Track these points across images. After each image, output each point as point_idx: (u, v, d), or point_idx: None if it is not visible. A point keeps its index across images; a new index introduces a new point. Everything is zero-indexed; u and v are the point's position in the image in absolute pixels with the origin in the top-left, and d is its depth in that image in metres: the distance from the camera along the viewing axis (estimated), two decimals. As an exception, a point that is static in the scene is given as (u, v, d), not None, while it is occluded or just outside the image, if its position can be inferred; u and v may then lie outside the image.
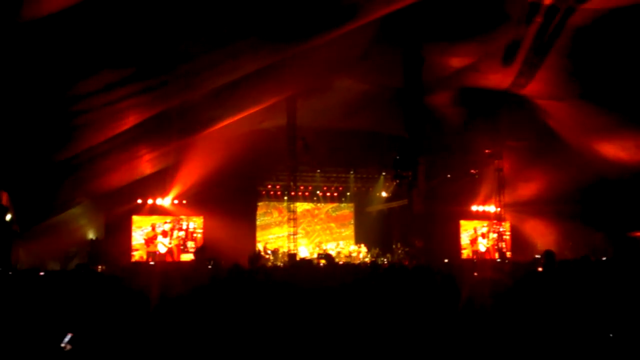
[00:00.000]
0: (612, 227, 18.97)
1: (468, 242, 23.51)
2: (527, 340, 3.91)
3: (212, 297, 5.29)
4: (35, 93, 9.22)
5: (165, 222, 20.54)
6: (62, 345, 3.94)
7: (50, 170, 12.67)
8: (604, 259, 13.33)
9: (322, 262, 18.87)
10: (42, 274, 8.80)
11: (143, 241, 20.11)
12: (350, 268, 9.57)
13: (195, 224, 20.83)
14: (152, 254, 19.98)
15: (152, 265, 17.96)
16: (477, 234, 23.64)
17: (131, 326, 4.27)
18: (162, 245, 20.33)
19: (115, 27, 8.30)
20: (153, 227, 20.37)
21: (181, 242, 20.71)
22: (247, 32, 10.12)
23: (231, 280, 6.66)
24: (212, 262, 12.05)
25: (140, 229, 20.11)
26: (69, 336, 3.98)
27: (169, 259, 20.12)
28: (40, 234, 16.01)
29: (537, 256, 15.96)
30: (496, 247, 22.33)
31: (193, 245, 20.60)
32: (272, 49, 11.49)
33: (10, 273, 10.90)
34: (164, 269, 10.50)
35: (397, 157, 14.38)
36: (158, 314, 4.69)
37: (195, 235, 20.79)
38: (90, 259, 17.38)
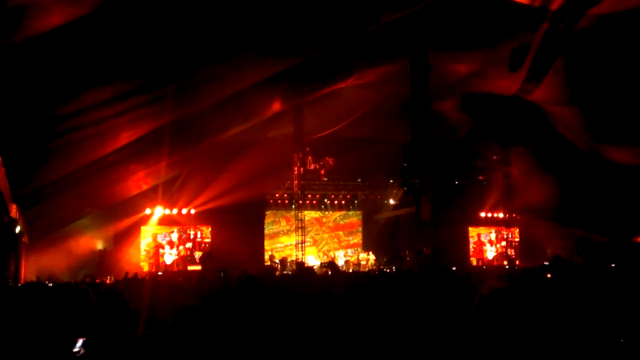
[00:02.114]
0: (620, 233, 18.82)
1: (471, 249, 23.34)
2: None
3: (221, 306, 5.29)
4: (45, 104, 9.27)
5: (172, 232, 20.43)
6: (75, 350, 3.96)
7: (59, 182, 12.73)
8: (613, 265, 13.18)
9: (328, 270, 18.85)
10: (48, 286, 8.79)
11: (145, 253, 19.96)
12: (354, 278, 9.49)
13: (203, 233, 20.74)
14: (156, 266, 19.78)
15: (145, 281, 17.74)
16: (482, 241, 23.47)
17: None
18: (169, 256, 20.24)
19: (121, 40, 8.36)
20: (154, 238, 20.21)
21: (188, 252, 20.60)
22: (251, 46, 10.17)
23: (242, 288, 6.65)
24: (222, 273, 12.05)
25: (145, 239, 20.08)
26: (81, 341, 4.00)
27: (175, 270, 20.03)
28: (49, 245, 16.08)
29: (545, 263, 15.79)
30: (504, 254, 22.19)
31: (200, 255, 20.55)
32: (277, 60, 11.53)
33: (19, 285, 10.94)
34: (165, 282, 10.43)
35: (405, 165, 14.32)
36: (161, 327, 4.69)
37: (203, 245, 20.71)
38: (99, 269, 17.43)
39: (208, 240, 20.66)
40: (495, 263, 22.68)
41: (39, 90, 8.80)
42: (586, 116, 15.86)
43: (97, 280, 13.57)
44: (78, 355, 3.93)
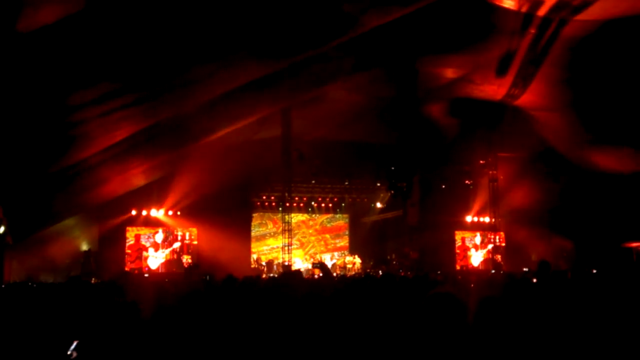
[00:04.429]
0: (605, 237, 18.99)
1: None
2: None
3: (205, 306, 5.27)
4: (31, 104, 9.19)
5: (156, 233, 20.05)
6: (69, 353, 3.93)
7: (44, 182, 12.62)
8: (594, 271, 13.29)
9: (317, 271, 18.85)
10: (34, 286, 8.73)
11: (126, 256, 19.49)
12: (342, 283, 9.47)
13: (191, 235, 20.54)
14: (138, 270, 19.22)
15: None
16: (467, 245, 23.58)
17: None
18: (154, 260, 19.89)
19: (111, 38, 8.32)
20: (137, 239, 19.83)
21: (175, 256, 20.18)
22: (239, 47, 10.16)
23: (224, 290, 6.63)
24: (207, 277, 12.01)
25: (130, 241, 19.71)
26: (75, 343, 3.96)
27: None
28: (33, 246, 15.91)
29: (525, 269, 15.82)
30: (490, 259, 22.33)
31: (189, 260, 20.19)
32: (265, 62, 11.53)
33: (2, 286, 10.84)
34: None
35: (392, 168, 14.39)
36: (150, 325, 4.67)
37: (191, 248, 20.39)
38: (84, 271, 17.26)
39: (195, 243, 20.46)
40: (482, 268, 22.76)
41: (23, 88, 8.73)
42: (572, 122, 16.01)
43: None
44: (71, 358, 3.90)
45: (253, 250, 22.91)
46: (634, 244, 19.40)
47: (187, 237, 20.42)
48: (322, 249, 25.05)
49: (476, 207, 22.61)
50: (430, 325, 3.01)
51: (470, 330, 3.27)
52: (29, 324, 4.59)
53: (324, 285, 6.85)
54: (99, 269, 17.62)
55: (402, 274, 17.88)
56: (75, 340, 3.98)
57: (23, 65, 8.07)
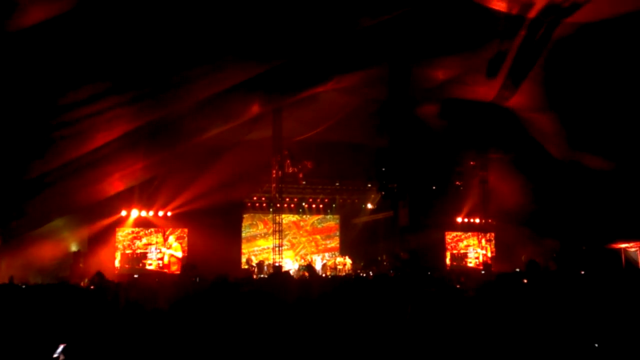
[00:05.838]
0: (594, 238, 19.09)
1: (448, 255, 23.50)
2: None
3: (196, 309, 5.25)
4: (22, 104, 9.13)
5: (146, 234, 19.94)
6: (55, 356, 3.90)
7: (33, 182, 12.53)
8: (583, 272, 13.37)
9: (305, 273, 18.82)
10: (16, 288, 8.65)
11: (115, 257, 19.47)
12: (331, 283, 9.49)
13: (182, 234, 20.48)
14: (128, 271, 19.13)
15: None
16: (459, 246, 23.63)
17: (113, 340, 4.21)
18: (144, 260, 19.67)
19: (102, 38, 8.28)
20: (127, 240, 19.78)
21: (165, 257, 20.12)
22: (230, 48, 10.15)
23: (214, 292, 6.62)
24: (197, 278, 11.97)
25: (121, 242, 19.65)
26: (61, 347, 3.94)
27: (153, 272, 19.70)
28: (21, 246, 15.80)
29: (517, 270, 15.91)
30: (479, 259, 22.39)
31: (180, 256, 20.21)
32: (256, 63, 11.52)
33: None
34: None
35: (383, 169, 14.40)
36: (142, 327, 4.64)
37: (183, 252, 20.41)
38: (73, 272, 17.15)
39: (186, 244, 20.40)
40: (472, 267, 22.82)
41: (13, 89, 8.67)
42: (562, 123, 16.08)
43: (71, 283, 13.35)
44: None
45: (244, 251, 22.86)
46: (623, 245, 19.53)
47: (178, 238, 20.36)
48: (312, 249, 25.03)
49: (466, 208, 22.66)
50: (417, 324, 3.02)
51: (459, 328, 3.27)
52: (8, 327, 4.55)
53: (312, 283, 6.88)
54: (88, 270, 17.50)
55: (393, 274, 17.89)
56: (62, 343, 3.95)
57: (15, 64, 8.02)
